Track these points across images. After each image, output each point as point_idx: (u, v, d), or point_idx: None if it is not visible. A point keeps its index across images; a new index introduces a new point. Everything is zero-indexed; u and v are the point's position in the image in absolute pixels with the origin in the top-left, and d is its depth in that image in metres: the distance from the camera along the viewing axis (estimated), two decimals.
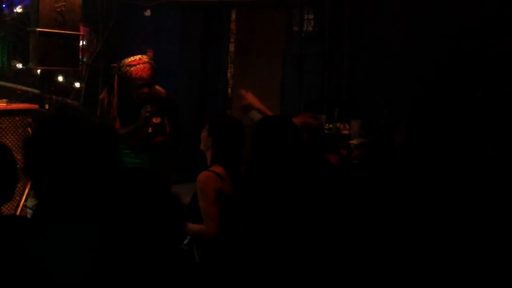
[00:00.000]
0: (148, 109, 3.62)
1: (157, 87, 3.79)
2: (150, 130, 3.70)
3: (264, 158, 2.34)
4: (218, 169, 2.79)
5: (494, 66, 4.35)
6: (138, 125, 3.66)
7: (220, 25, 6.49)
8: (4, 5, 5.91)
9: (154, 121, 3.70)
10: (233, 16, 6.40)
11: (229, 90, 6.57)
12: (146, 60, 3.64)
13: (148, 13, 6.47)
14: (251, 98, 3.39)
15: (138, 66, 3.60)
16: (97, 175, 1.49)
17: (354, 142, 4.52)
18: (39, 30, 4.68)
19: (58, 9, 4.79)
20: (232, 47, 6.47)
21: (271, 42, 6.23)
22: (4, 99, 4.91)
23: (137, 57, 3.68)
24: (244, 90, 3.49)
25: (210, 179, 2.72)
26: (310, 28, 5.40)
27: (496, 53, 4.34)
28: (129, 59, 3.68)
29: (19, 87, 5.67)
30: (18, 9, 5.98)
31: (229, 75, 6.52)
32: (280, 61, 5.75)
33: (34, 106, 5.02)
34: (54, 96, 5.18)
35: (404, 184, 2.28)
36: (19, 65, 5.85)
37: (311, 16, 5.42)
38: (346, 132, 4.91)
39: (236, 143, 2.89)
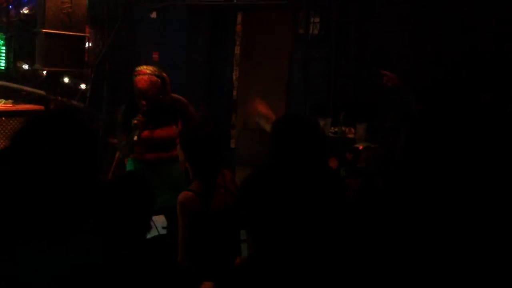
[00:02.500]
0: (138, 118, 3.59)
1: (174, 95, 3.76)
2: (135, 138, 3.63)
3: (282, 160, 2.27)
4: (196, 185, 2.76)
5: (503, 69, 4.32)
6: (131, 136, 3.63)
7: (226, 28, 6.48)
8: (10, 6, 5.92)
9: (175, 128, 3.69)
10: (239, 19, 6.39)
11: (235, 93, 6.56)
12: (148, 72, 3.60)
13: (154, 15, 6.47)
14: (261, 106, 3.35)
15: (138, 76, 3.59)
16: (75, 182, 1.40)
17: (359, 146, 4.50)
18: (45, 32, 4.70)
19: (64, 11, 4.80)
20: (237, 50, 6.46)
21: (277, 45, 6.21)
22: (9, 100, 4.93)
23: (144, 67, 3.66)
24: (256, 99, 3.44)
25: (187, 201, 2.69)
26: (316, 31, 5.40)
27: (505, 54, 4.31)
28: (139, 67, 3.67)
29: (24, 88, 5.67)
30: (25, 10, 5.99)
31: (234, 77, 6.51)
32: (286, 64, 5.74)
33: (40, 107, 5.03)
34: (59, 98, 5.18)
35: (404, 189, 2.24)
36: (25, 66, 5.85)
37: (317, 19, 5.41)
38: (351, 136, 4.89)
39: (209, 156, 2.82)
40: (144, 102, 3.59)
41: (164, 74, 3.70)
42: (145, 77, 3.58)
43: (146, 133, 3.70)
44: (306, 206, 1.93)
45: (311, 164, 2.25)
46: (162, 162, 3.76)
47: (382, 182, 2.39)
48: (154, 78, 3.60)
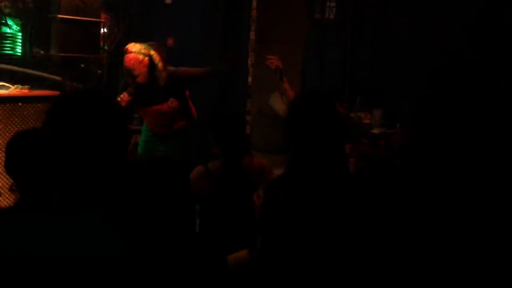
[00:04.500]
0: (122, 96, 3.61)
1: (170, 67, 3.75)
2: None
3: (298, 142, 2.14)
4: (216, 164, 2.78)
5: None
6: None
7: (240, 13, 6.44)
8: None
9: (169, 104, 3.70)
10: (254, 3, 6.34)
11: (250, 79, 6.53)
12: (134, 50, 3.58)
13: (169, 1, 6.45)
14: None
15: (125, 54, 3.60)
16: (107, 159, 1.42)
17: (375, 131, 4.47)
18: (60, 17, 4.70)
19: None
20: (252, 35, 6.42)
21: (292, 30, 6.16)
22: (26, 86, 4.95)
23: (132, 44, 3.65)
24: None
25: (196, 177, 2.69)
26: (332, 16, 5.35)
27: None
28: (128, 45, 3.67)
29: (40, 73, 5.70)
30: None
31: (249, 63, 6.48)
32: (301, 49, 5.70)
33: (56, 93, 5.05)
34: (75, 83, 5.20)
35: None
36: (41, 52, 5.87)
37: (333, 4, 5.36)
38: (367, 121, 4.85)
39: (235, 136, 2.86)
40: (129, 80, 3.61)
41: (153, 52, 3.63)
42: (131, 55, 3.58)
43: (144, 109, 3.74)
44: (321, 210, 1.90)
45: (328, 151, 2.11)
46: (170, 136, 3.79)
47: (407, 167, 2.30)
48: (141, 56, 3.58)
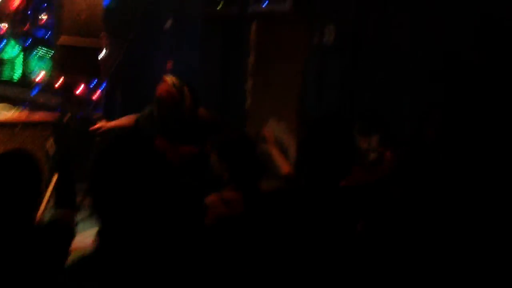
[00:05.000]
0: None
1: (202, 111, 3.74)
2: None
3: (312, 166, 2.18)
4: (229, 192, 2.70)
5: None
6: None
7: (240, 37, 6.48)
8: (29, 12, 5.99)
9: (191, 150, 3.65)
10: (253, 27, 6.38)
11: (248, 102, 6.55)
12: (168, 81, 3.61)
13: (169, 24, 6.50)
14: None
15: (160, 84, 3.62)
16: None
17: (373, 156, 4.46)
18: (61, 41, 4.74)
19: (80, 20, 4.84)
20: (252, 59, 6.45)
21: (291, 54, 6.19)
22: (25, 109, 4.97)
23: (169, 76, 3.71)
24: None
25: (213, 205, 2.63)
26: (330, 41, 5.37)
27: None
28: (165, 76, 3.72)
29: (40, 97, 5.72)
30: (43, 16, 6.03)
31: (249, 87, 6.50)
32: (299, 73, 5.71)
33: (54, 117, 5.06)
34: (73, 107, 5.21)
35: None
36: (40, 75, 5.90)
37: (331, 29, 5.38)
38: (365, 146, 4.84)
39: (247, 158, 2.79)
40: (155, 108, 3.61)
41: (186, 88, 3.65)
42: (164, 85, 3.61)
43: (161, 143, 3.68)
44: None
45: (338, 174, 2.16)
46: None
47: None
48: (173, 90, 3.59)
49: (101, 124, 3.89)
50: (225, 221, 2.62)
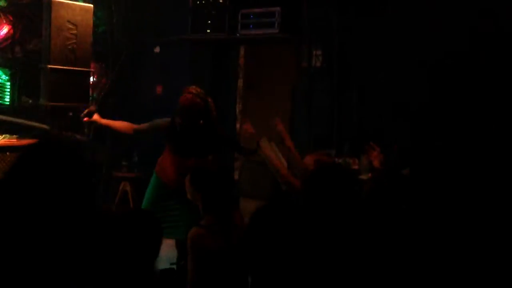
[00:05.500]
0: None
1: (220, 129, 3.74)
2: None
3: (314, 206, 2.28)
4: (210, 220, 2.72)
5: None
6: None
7: (228, 61, 6.55)
8: (15, 42, 6.00)
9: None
10: (242, 52, 6.45)
11: (238, 125, 6.58)
12: (193, 92, 3.65)
13: (157, 49, 6.55)
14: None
15: (183, 94, 3.64)
16: (70, 216, 1.36)
17: (363, 177, 4.49)
18: (50, 67, 4.74)
19: (69, 47, 4.85)
20: (240, 83, 6.51)
21: (279, 78, 6.26)
22: (14, 135, 4.94)
23: (193, 87, 3.74)
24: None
25: (198, 238, 2.65)
26: (318, 64, 5.44)
27: None
28: (189, 87, 3.77)
29: (28, 122, 5.70)
30: (30, 46, 6.07)
31: (237, 110, 6.54)
32: (289, 96, 5.78)
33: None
34: (63, 132, 5.20)
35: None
36: (29, 101, 5.89)
37: (319, 52, 5.46)
38: (356, 167, 4.88)
39: (223, 191, 2.82)
40: (180, 120, 3.60)
41: (210, 100, 3.68)
42: (189, 95, 3.62)
43: (178, 159, 3.66)
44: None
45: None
46: (183, 192, 3.71)
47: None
48: (198, 99, 3.62)
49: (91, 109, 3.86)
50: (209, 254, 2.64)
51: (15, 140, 4.80)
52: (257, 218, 1.88)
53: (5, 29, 5.97)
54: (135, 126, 3.99)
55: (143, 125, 3.96)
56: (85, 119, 3.69)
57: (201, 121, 3.65)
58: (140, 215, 2.12)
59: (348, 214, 2.22)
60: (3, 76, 6.02)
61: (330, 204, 2.23)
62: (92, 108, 3.69)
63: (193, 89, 3.69)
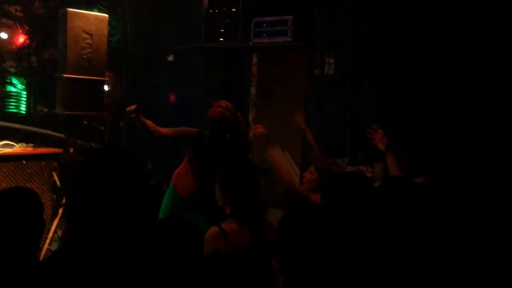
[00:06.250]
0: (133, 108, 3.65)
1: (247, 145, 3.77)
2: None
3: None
4: (230, 224, 2.74)
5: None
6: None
7: (241, 69, 6.58)
8: (33, 48, 6.10)
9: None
10: (255, 60, 6.48)
11: (251, 133, 6.60)
12: (224, 105, 3.66)
13: (171, 58, 6.60)
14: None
15: (213, 108, 3.65)
16: (128, 223, 1.37)
17: (377, 185, 4.49)
18: (66, 76, 4.80)
19: (84, 56, 4.92)
20: (253, 91, 6.53)
21: (292, 86, 6.27)
22: (30, 144, 5.00)
23: (223, 101, 3.75)
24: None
25: (212, 238, 2.66)
26: (331, 72, 5.44)
27: None
28: (219, 101, 3.79)
29: (44, 131, 5.77)
30: (46, 56, 6.15)
31: (250, 118, 6.56)
32: (301, 104, 5.78)
33: (59, 150, 5.09)
34: (78, 140, 5.27)
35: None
36: (45, 110, 5.97)
37: (332, 60, 5.46)
38: (369, 175, 4.87)
39: (251, 193, 2.84)
40: (209, 132, 3.61)
41: (239, 114, 3.71)
42: (219, 109, 3.65)
43: (198, 172, 3.66)
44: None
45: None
46: (197, 204, 3.70)
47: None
48: (228, 113, 3.65)
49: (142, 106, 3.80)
50: (225, 254, 2.64)
51: (31, 149, 4.85)
52: (285, 222, 1.91)
53: (21, 39, 6.06)
54: (161, 129, 3.95)
55: (169, 130, 3.91)
56: (132, 115, 3.68)
57: (229, 135, 3.65)
58: (178, 223, 2.08)
59: (369, 219, 2.26)
60: (19, 86, 6.10)
61: (352, 209, 2.29)
62: (143, 104, 3.67)
63: (223, 103, 3.72)
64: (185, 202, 3.76)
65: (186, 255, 1.91)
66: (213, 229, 2.71)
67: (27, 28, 6.05)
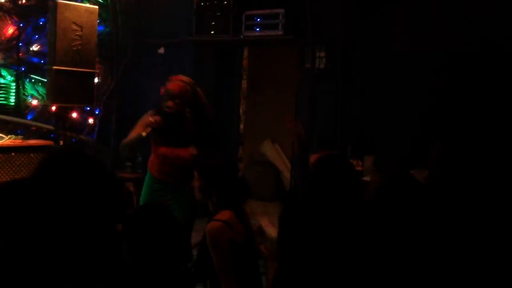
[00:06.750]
0: (154, 117, 3.58)
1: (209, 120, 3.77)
2: (144, 134, 3.59)
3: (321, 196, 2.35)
4: (226, 215, 2.68)
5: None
6: (140, 133, 3.63)
7: (232, 63, 6.57)
8: (20, 43, 6.04)
9: (191, 151, 3.62)
10: (246, 53, 6.48)
11: (241, 126, 6.61)
12: (183, 79, 3.67)
13: (161, 51, 6.57)
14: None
15: (172, 81, 3.66)
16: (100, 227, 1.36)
17: (367, 178, 4.50)
18: (55, 68, 4.77)
19: (74, 48, 4.89)
20: (244, 84, 6.53)
21: (283, 79, 6.28)
22: (19, 136, 4.98)
23: (181, 75, 3.73)
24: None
25: (220, 231, 2.58)
26: (322, 66, 5.44)
27: None
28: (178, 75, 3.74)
29: (33, 123, 5.74)
30: (35, 47, 6.10)
31: (241, 111, 6.57)
32: (292, 97, 5.79)
33: (49, 143, 5.07)
34: (68, 133, 5.24)
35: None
36: (34, 102, 5.93)
37: (323, 54, 5.46)
38: (359, 168, 4.89)
39: (235, 181, 2.85)
40: (169, 103, 3.60)
41: (198, 89, 3.72)
42: (179, 82, 3.66)
43: (165, 149, 3.67)
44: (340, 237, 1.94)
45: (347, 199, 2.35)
46: (177, 187, 3.70)
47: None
48: (188, 87, 3.65)
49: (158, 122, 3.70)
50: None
51: (20, 141, 4.83)
52: (286, 213, 1.96)
53: (10, 30, 6.01)
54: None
55: (135, 135, 3.78)
56: (149, 130, 3.62)
57: (189, 109, 3.66)
58: (154, 210, 2.06)
59: (356, 204, 2.28)
60: (8, 77, 6.05)
61: (337, 191, 2.33)
62: (159, 120, 3.61)
63: (183, 77, 3.73)
64: (160, 185, 3.75)
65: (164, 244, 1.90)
66: (215, 224, 2.61)
67: (16, 19, 6.00)
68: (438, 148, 2.54)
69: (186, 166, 3.55)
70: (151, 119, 3.60)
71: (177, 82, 3.67)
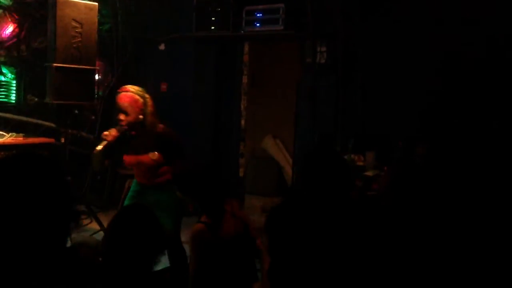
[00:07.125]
0: (110, 130, 3.64)
1: (160, 126, 3.77)
2: (98, 148, 3.64)
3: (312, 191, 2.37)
4: (208, 218, 2.82)
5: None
6: (97, 147, 3.67)
7: (233, 58, 6.56)
8: (23, 38, 6.04)
9: (151, 156, 3.66)
10: (246, 49, 6.46)
11: (243, 122, 6.60)
12: (131, 90, 3.68)
13: (162, 47, 6.56)
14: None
15: (121, 93, 3.68)
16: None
17: (369, 173, 4.50)
18: (56, 66, 4.76)
19: (74, 45, 4.87)
20: (245, 79, 6.52)
21: (284, 74, 6.27)
22: (20, 134, 4.98)
23: (129, 86, 3.74)
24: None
25: (198, 233, 2.73)
26: (323, 60, 5.43)
27: None
28: (124, 86, 3.76)
29: (35, 121, 5.73)
30: (35, 45, 6.09)
31: (242, 107, 6.56)
32: (293, 92, 5.78)
33: (50, 140, 5.07)
34: (69, 130, 5.23)
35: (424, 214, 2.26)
36: (35, 99, 5.92)
37: (323, 49, 5.45)
38: (361, 163, 4.88)
39: (211, 189, 2.86)
40: (122, 117, 3.65)
41: (147, 96, 3.74)
42: (128, 94, 3.67)
43: (127, 158, 3.75)
44: (330, 235, 1.94)
45: (337, 195, 2.34)
46: (155, 187, 3.76)
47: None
48: (136, 96, 3.67)
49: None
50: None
51: (21, 139, 4.83)
52: (275, 212, 1.95)
53: (11, 28, 6.00)
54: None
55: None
56: (105, 143, 3.68)
57: (141, 116, 3.67)
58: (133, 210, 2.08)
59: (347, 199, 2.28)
60: (9, 75, 6.05)
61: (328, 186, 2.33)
62: (114, 133, 3.70)
63: (131, 87, 3.73)
64: (140, 187, 3.83)
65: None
66: (197, 226, 2.76)
67: (16, 16, 5.99)
68: (423, 148, 2.57)
69: (153, 167, 3.70)
70: (106, 133, 3.66)
71: (123, 94, 3.68)
